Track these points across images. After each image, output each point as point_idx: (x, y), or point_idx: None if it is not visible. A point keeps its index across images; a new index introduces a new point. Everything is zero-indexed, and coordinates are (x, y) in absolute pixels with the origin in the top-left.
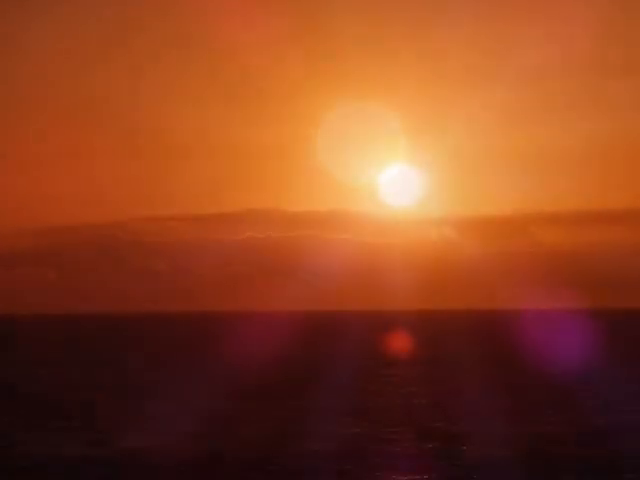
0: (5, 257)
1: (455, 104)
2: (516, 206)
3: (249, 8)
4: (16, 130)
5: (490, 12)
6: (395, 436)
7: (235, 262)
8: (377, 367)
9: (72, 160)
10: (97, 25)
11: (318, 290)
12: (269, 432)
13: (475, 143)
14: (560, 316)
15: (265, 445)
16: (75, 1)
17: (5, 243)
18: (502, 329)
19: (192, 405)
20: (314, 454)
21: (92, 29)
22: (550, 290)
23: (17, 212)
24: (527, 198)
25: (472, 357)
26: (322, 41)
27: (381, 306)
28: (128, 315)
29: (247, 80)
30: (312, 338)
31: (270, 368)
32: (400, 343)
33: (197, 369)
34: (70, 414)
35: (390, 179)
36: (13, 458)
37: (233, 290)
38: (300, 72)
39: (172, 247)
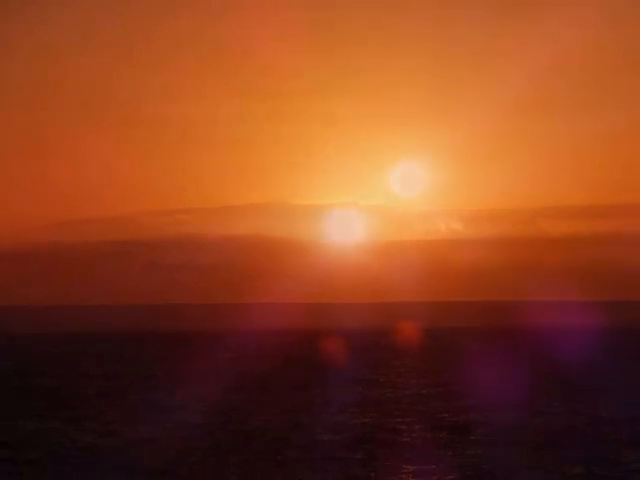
0: (8, 253)
1: (464, 99)
2: (524, 199)
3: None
4: (21, 125)
5: (500, 6)
6: (404, 426)
7: (242, 255)
8: (386, 358)
9: (79, 155)
10: (109, 19)
11: (326, 282)
12: (277, 423)
13: (484, 137)
14: (568, 308)
15: (273, 436)
16: None
17: (11, 239)
18: (510, 321)
19: (200, 397)
20: (323, 444)
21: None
22: (558, 282)
23: (23, 208)
24: (535, 191)
25: (480, 348)
26: (330, 36)
27: (389, 298)
28: (135, 308)
29: (255, 74)
30: (320, 330)
31: (278, 360)
32: (408, 335)
33: (205, 361)
34: (80, 405)
35: (398, 173)
36: (24, 449)
37: (240, 283)
38: (309, 67)
39: (179, 241)
